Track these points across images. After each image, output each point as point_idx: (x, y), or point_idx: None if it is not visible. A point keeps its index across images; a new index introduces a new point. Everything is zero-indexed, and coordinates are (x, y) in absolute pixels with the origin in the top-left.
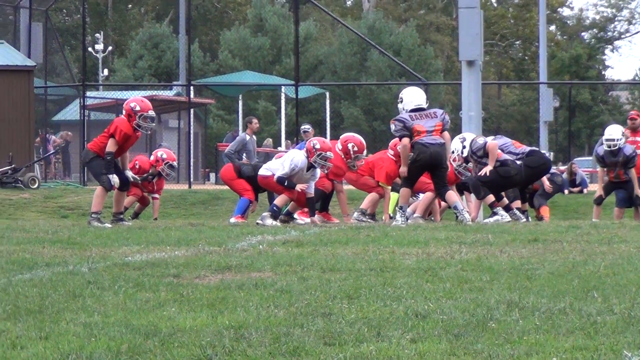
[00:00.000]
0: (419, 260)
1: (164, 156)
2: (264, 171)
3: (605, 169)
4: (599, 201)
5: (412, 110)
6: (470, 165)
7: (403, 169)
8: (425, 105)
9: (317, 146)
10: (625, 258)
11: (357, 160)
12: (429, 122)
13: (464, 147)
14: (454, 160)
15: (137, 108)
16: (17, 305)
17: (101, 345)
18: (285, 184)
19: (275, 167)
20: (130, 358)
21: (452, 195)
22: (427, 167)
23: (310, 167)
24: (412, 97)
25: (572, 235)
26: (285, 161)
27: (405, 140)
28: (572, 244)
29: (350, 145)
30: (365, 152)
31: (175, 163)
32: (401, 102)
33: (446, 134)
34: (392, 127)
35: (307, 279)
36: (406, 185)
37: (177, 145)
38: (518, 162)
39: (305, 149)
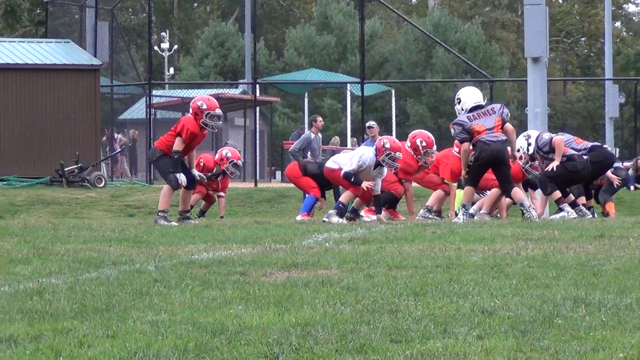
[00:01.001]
0: (485, 256)
1: (229, 155)
2: (331, 164)
3: None
4: None
5: (471, 110)
6: (537, 163)
7: (463, 173)
8: (483, 103)
9: (387, 145)
10: None
11: (427, 156)
12: (487, 120)
13: (529, 144)
14: (520, 158)
15: (204, 106)
16: (84, 303)
17: (168, 343)
18: (352, 180)
19: (343, 162)
20: (197, 356)
21: (518, 192)
22: (489, 164)
23: (378, 165)
24: (470, 96)
25: (638, 231)
26: (354, 157)
27: (466, 145)
28: (638, 240)
29: (418, 141)
30: (434, 147)
31: (240, 162)
32: (459, 102)
33: (508, 126)
34: (452, 131)
35: (374, 276)
36: (470, 184)
37: (242, 143)
38: (585, 157)
39: (375, 147)
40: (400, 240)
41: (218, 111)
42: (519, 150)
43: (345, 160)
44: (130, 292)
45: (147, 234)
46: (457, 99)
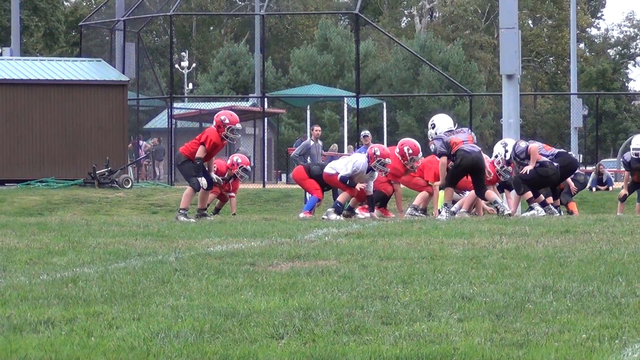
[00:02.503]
0: (465, 249)
1: (239, 161)
2: (329, 169)
3: (629, 172)
4: (623, 199)
5: (445, 133)
6: (511, 168)
7: (442, 184)
8: (454, 129)
9: (378, 153)
10: None
11: (413, 162)
12: (461, 135)
13: (506, 151)
14: (497, 163)
15: (227, 121)
16: (112, 290)
17: (187, 325)
18: (347, 182)
19: (339, 167)
20: (212, 336)
21: (491, 193)
22: (469, 170)
23: (370, 169)
24: (443, 122)
25: (599, 227)
26: (348, 163)
27: (444, 159)
28: (599, 235)
29: (405, 149)
30: (420, 154)
31: (249, 167)
32: (433, 127)
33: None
34: (432, 147)
35: (367, 267)
36: (449, 186)
37: (252, 149)
38: (555, 164)
39: (367, 154)
40: (390, 234)
41: (238, 126)
42: (496, 156)
43: (341, 165)
44: (153, 280)
45: (169, 229)
46: (432, 125)
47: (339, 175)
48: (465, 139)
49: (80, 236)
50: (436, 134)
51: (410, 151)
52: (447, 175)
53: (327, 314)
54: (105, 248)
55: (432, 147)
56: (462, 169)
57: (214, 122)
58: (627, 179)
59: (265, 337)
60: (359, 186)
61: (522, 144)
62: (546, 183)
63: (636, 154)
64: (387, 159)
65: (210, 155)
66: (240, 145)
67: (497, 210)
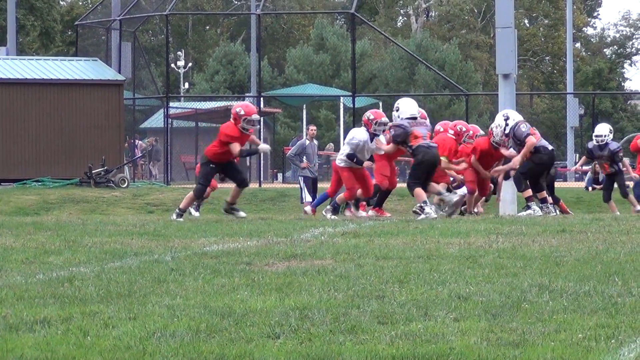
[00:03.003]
0: (461, 249)
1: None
2: (338, 161)
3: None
4: (607, 198)
5: (408, 119)
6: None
7: (387, 148)
8: (417, 115)
9: (372, 117)
10: None
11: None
12: (422, 129)
13: (507, 124)
14: (496, 134)
15: (242, 112)
16: (109, 289)
17: (183, 324)
18: (355, 160)
19: (341, 151)
20: (208, 336)
21: (434, 185)
22: (430, 167)
23: (373, 136)
24: (407, 107)
25: (595, 227)
26: (346, 143)
27: (393, 146)
28: (595, 234)
29: (458, 128)
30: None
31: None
32: (397, 110)
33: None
34: (392, 131)
35: (363, 266)
36: (418, 186)
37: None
38: (550, 147)
39: (362, 123)
40: (386, 234)
41: (255, 116)
42: (497, 127)
43: (342, 149)
44: (149, 280)
45: (165, 228)
46: (396, 108)
47: (345, 154)
48: (424, 135)
49: (76, 235)
50: (399, 117)
51: (372, 116)
52: (412, 175)
53: (323, 313)
54: (101, 247)
55: (392, 131)
56: (425, 167)
57: (231, 115)
58: (595, 171)
59: (261, 337)
60: (365, 164)
61: (523, 128)
62: (543, 169)
63: (598, 142)
64: (382, 119)
65: (229, 152)
66: None
67: (443, 201)
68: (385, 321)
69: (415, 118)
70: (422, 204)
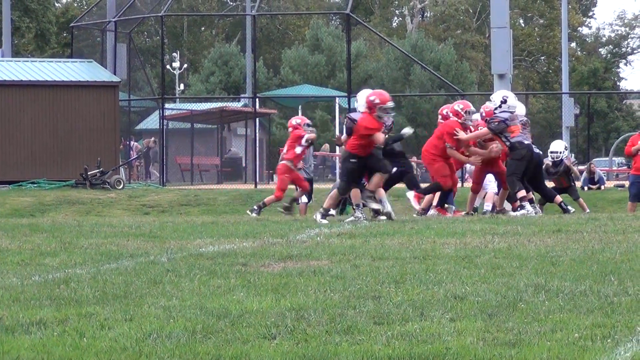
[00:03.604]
0: (457, 249)
1: (298, 121)
2: None
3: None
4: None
5: (510, 112)
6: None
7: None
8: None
9: (377, 100)
10: (638, 246)
11: (470, 116)
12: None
13: (500, 106)
14: (485, 107)
15: (377, 100)
16: (105, 291)
17: (179, 325)
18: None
19: None
20: (204, 337)
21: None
22: (528, 163)
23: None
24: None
25: (591, 226)
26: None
27: (345, 137)
28: (591, 234)
29: (457, 107)
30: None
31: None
32: (504, 102)
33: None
34: (345, 121)
35: (359, 267)
36: (352, 187)
37: (244, 150)
38: (526, 142)
39: (366, 107)
40: (382, 234)
41: (390, 104)
42: (492, 104)
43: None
44: (145, 281)
45: (161, 229)
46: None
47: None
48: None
49: (72, 237)
50: (358, 110)
51: (461, 106)
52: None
53: (319, 314)
54: (97, 249)
55: (346, 121)
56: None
57: (365, 106)
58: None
59: (257, 338)
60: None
61: (504, 115)
62: (527, 164)
63: (553, 158)
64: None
65: (371, 143)
66: (232, 145)
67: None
68: (382, 321)
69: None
70: (357, 205)
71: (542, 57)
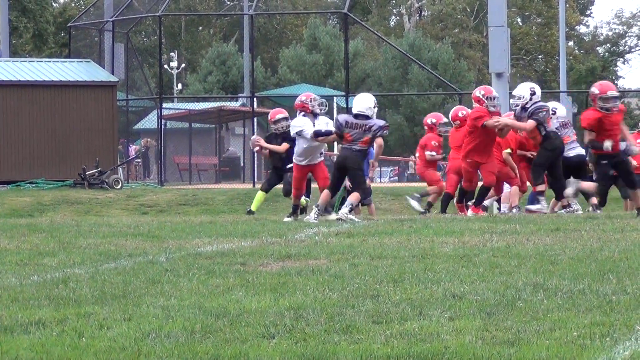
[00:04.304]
0: (455, 248)
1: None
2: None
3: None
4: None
5: (355, 116)
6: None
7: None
8: (368, 113)
9: (303, 98)
10: (637, 244)
11: (494, 101)
12: (359, 135)
13: (531, 99)
14: (513, 104)
15: (482, 93)
16: (103, 291)
17: (177, 325)
18: (322, 132)
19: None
20: (203, 336)
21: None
22: (338, 168)
23: (315, 117)
24: (356, 104)
25: (589, 225)
26: (296, 134)
27: (332, 137)
28: (589, 233)
29: (478, 93)
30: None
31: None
32: (534, 94)
33: (378, 140)
34: (335, 122)
35: (358, 266)
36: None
37: (242, 149)
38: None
39: (298, 111)
40: (380, 233)
41: (495, 93)
42: (520, 98)
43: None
44: (144, 281)
45: (159, 229)
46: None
47: (310, 133)
48: (355, 138)
49: (70, 237)
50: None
51: (483, 92)
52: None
53: (318, 313)
54: (95, 249)
55: (335, 122)
56: (555, 155)
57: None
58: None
59: (256, 337)
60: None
61: (541, 115)
62: (557, 155)
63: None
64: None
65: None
66: (230, 145)
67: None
68: (380, 320)
69: (365, 117)
70: (317, 205)
71: (540, 56)
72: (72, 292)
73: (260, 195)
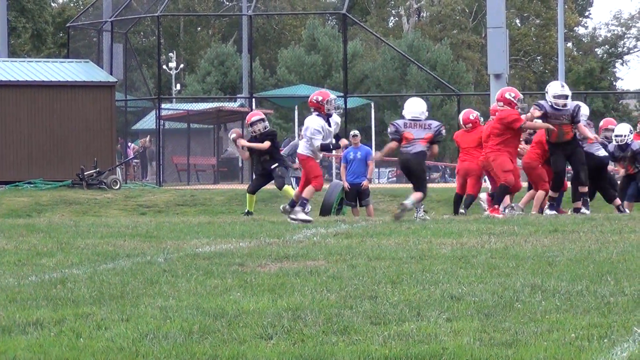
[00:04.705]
0: (454, 249)
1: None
2: (303, 150)
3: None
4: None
5: (409, 119)
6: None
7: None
8: (422, 117)
9: (320, 98)
10: (634, 246)
11: (521, 103)
12: (420, 131)
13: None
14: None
15: (513, 95)
16: (101, 291)
17: (175, 325)
18: (325, 148)
19: (302, 146)
20: (201, 337)
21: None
22: (403, 170)
23: (327, 117)
24: (408, 109)
25: (587, 226)
26: (305, 136)
27: (393, 144)
28: (587, 234)
29: (507, 95)
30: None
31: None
32: (404, 109)
33: (434, 147)
34: (389, 129)
35: (356, 267)
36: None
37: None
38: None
39: (312, 109)
40: (379, 234)
41: (521, 95)
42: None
43: (302, 144)
44: (142, 281)
45: (157, 230)
46: (404, 107)
47: (315, 145)
48: (417, 137)
49: (68, 237)
50: (403, 116)
51: (513, 94)
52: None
53: (316, 314)
54: (93, 249)
55: (389, 128)
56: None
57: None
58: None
59: (254, 338)
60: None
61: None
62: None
63: (618, 142)
64: (331, 96)
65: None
66: (228, 145)
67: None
68: (378, 321)
69: (418, 120)
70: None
71: (539, 57)
72: (70, 293)
73: (249, 197)
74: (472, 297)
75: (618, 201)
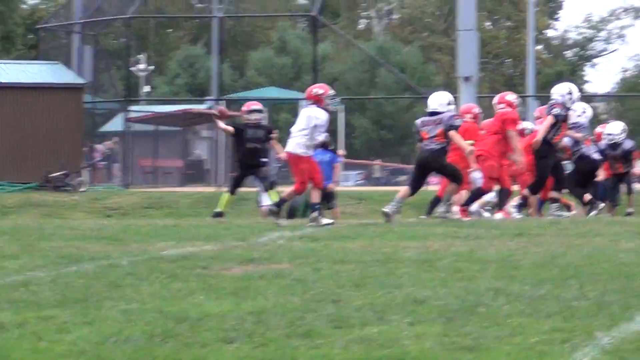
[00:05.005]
0: (418, 252)
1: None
2: (296, 149)
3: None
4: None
5: (430, 114)
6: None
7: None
8: (442, 110)
9: (321, 91)
10: (599, 250)
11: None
12: (433, 129)
13: (569, 98)
14: (565, 101)
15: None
16: (64, 294)
17: (138, 329)
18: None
19: (301, 142)
20: (163, 340)
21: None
22: (419, 167)
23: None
24: (429, 101)
25: (553, 230)
26: (306, 125)
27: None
28: (553, 238)
29: (509, 98)
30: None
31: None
32: (570, 94)
33: (451, 133)
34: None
35: (320, 270)
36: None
37: (208, 152)
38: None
39: (311, 102)
40: (344, 238)
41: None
42: (565, 96)
43: (295, 142)
44: (105, 284)
45: (122, 232)
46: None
47: (320, 139)
48: (431, 135)
49: (33, 240)
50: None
51: (514, 97)
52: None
53: (278, 317)
54: (57, 252)
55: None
56: (415, 166)
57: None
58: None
59: (216, 341)
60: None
61: (582, 119)
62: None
63: (608, 141)
64: (330, 92)
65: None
66: (196, 148)
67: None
68: (341, 325)
69: (435, 113)
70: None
71: (508, 60)
72: (32, 295)
73: (225, 196)
74: (436, 301)
75: (588, 197)
